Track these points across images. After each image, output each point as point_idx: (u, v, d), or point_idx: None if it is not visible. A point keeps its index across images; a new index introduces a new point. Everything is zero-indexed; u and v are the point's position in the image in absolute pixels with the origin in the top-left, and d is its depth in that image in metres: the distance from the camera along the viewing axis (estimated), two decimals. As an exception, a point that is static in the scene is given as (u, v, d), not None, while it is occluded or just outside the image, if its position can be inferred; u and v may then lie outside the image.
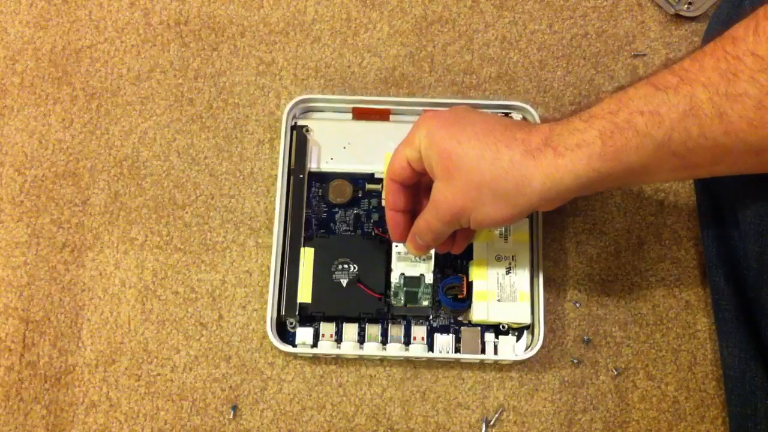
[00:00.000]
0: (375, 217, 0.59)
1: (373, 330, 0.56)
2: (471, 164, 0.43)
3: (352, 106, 0.61)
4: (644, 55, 0.64)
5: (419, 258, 0.56)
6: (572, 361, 0.58)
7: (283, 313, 0.56)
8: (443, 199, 0.45)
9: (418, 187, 0.51)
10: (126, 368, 0.58)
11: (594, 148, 0.40)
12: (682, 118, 0.38)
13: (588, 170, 0.40)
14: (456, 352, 0.56)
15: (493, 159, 0.43)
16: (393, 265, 0.57)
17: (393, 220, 0.51)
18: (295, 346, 0.56)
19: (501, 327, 0.56)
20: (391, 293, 0.56)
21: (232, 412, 0.57)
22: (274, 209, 0.59)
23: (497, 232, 0.56)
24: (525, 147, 0.42)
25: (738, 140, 0.37)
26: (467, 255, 0.57)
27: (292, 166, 0.59)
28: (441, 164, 0.45)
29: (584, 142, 0.40)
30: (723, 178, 0.50)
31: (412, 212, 0.51)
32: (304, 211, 0.58)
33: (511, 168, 0.42)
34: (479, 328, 0.57)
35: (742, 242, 0.49)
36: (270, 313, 0.56)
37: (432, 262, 0.57)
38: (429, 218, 0.48)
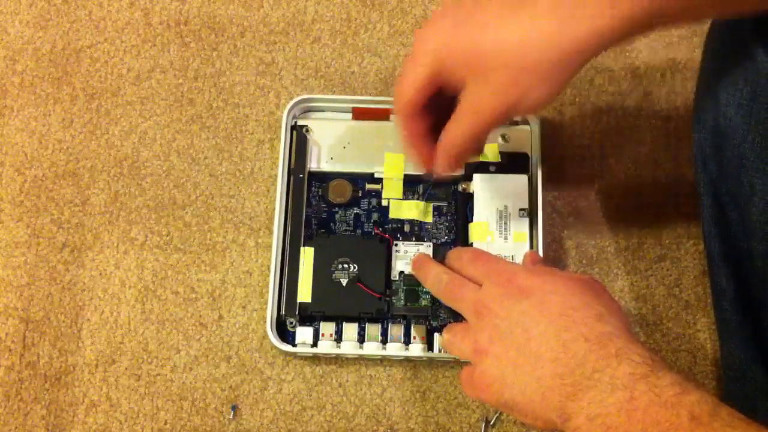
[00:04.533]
0: (375, 216, 0.59)
1: (373, 330, 0.56)
2: (505, 56, 0.41)
3: (352, 106, 0.61)
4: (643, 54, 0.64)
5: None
6: (572, 361, 0.58)
7: (283, 312, 0.56)
8: (485, 102, 0.43)
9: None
10: (126, 368, 0.58)
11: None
12: None
13: (612, 25, 0.40)
14: (456, 351, 0.56)
15: (528, 40, 0.40)
16: (393, 264, 0.57)
17: (421, 147, 0.48)
18: (295, 345, 0.56)
19: (501, 327, 0.56)
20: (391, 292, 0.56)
21: (232, 412, 0.57)
22: (274, 209, 0.59)
23: (497, 232, 0.56)
24: (557, 6, 0.40)
25: None
26: (467, 255, 0.57)
27: (292, 166, 0.59)
28: (471, 68, 0.42)
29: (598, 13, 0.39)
30: (727, 178, 0.50)
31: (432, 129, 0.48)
32: (304, 211, 0.58)
33: (548, 47, 0.40)
34: (479, 328, 0.56)
35: (747, 242, 0.49)
36: (270, 313, 0.56)
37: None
38: (468, 127, 0.45)
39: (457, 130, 0.46)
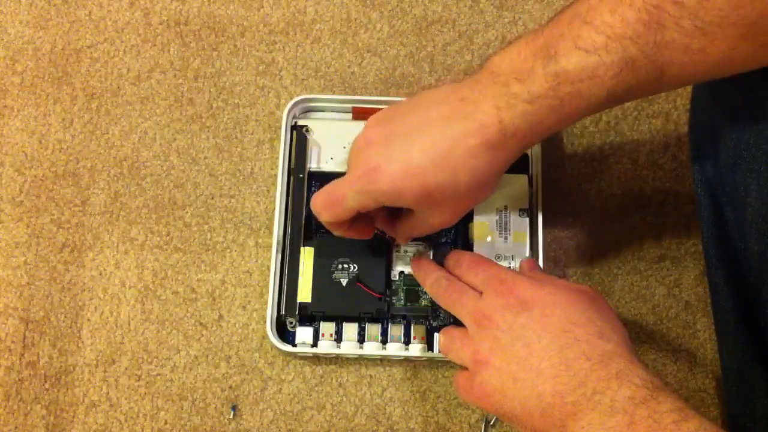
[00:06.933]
0: (375, 217, 0.59)
1: (373, 329, 0.56)
2: (451, 188, 0.45)
3: (352, 106, 0.61)
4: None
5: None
6: (572, 361, 0.58)
7: (283, 312, 0.56)
8: (438, 221, 0.48)
9: None
10: (126, 368, 0.58)
11: (549, 123, 0.43)
12: (618, 74, 0.40)
13: (547, 135, 0.44)
14: (456, 351, 0.56)
15: (471, 169, 0.44)
16: (393, 264, 0.57)
17: (353, 233, 0.52)
18: (295, 345, 0.56)
19: (501, 327, 0.56)
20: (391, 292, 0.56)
21: (232, 412, 0.57)
22: (274, 209, 0.59)
23: (497, 232, 0.56)
24: (488, 146, 0.44)
25: (671, 80, 0.41)
26: (467, 255, 0.57)
27: (292, 166, 0.59)
28: (422, 202, 0.46)
29: (539, 124, 0.43)
30: (723, 178, 0.51)
31: None
32: (304, 211, 0.58)
33: (488, 169, 0.45)
34: (479, 327, 0.56)
35: (743, 242, 0.49)
36: (270, 313, 0.56)
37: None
38: (418, 233, 0.51)
39: (410, 233, 0.51)
